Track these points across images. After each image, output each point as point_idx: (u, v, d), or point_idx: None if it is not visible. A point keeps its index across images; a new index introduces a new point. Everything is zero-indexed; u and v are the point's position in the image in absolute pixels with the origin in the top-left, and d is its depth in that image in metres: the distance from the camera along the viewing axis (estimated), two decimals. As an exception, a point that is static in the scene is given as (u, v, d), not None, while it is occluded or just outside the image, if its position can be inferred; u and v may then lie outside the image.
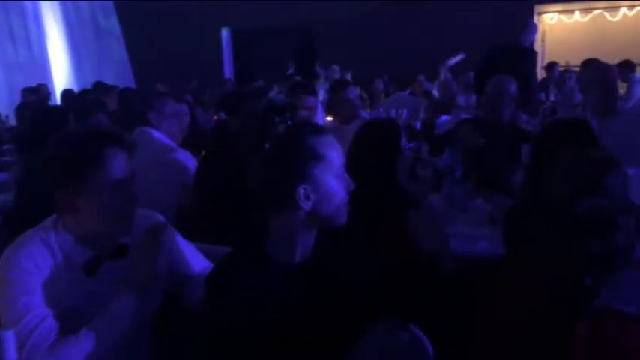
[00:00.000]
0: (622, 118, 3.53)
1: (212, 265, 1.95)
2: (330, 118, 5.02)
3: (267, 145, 1.49)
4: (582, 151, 1.56)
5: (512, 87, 3.74)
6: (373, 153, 2.30)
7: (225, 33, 13.00)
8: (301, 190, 1.48)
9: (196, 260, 1.92)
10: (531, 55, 5.93)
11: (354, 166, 2.37)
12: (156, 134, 3.17)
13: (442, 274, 2.40)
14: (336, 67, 9.17)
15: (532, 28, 5.98)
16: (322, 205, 1.51)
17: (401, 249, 2.28)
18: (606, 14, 11.48)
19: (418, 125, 5.48)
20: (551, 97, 6.72)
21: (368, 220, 2.08)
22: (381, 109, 6.36)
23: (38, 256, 1.63)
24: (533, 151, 2.41)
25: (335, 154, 1.53)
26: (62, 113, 3.19)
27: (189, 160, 3.14)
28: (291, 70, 9.43)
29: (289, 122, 1.52)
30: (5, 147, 5.43)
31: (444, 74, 8.27)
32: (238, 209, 2.05)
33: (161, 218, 1.90)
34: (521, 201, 2.35)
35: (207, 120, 6.69)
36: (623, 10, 11.22)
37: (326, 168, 1.51)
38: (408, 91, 7.48)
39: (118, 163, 1.65)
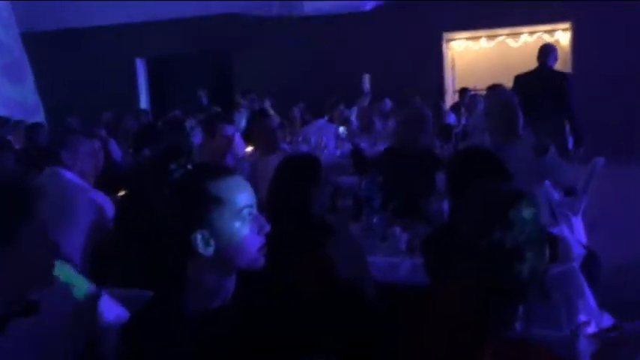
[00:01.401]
0: (523, 141, 3.74)
1: (125, 312, 1.89)
2: (250, 148, 5.01)
3: (165, 192, 1.46)
4: (491, 185, 1.62)
5: (429, 114, 3.88)
6: (293, 188, 2.31)
7: (139, 62, 12.75)
8: (198, 237, 1.44)
9: (109, 309, 1.84)
10: (566, 77, 6.10)
11: (274, 201, 2.39)
12: (68, 175, 3.04)
13: (364, 303, 2.42)
14: (253, 96, 9.20)
15: (554, 51, 6.15)
16: (227, 251, 1.46)
17: (323, 279, 2.29)
18: (509, 40, 12.16)
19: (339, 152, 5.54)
20: (463, 122, 7.02)
21: (289, 254, 2.09)
22: (300, 139, 6.42)
23: None
24: (447, 181, 2.49)
25: (239, 196, 1.48)
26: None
27: (104, 201, 3.04)
28: (205, 101, 9.36)
29: (188, 166, 1.49)
30: None
31: (362, 101, 8.47)
32: (156, 253, 1.99)
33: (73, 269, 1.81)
34: (438, 230, 2.42)
35: (124, 154, 6.52)
36: (524, 37, 11.93)
37: (227, 212, 1.45)
38: (325, 118, 7.59)
39: (37, 221, 1.54)
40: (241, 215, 1.47)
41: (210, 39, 11.79)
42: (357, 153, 4.42)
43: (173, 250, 1.49)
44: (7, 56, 10.74)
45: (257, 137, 4.53)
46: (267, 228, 1.54)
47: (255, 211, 1.52)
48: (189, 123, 7.61)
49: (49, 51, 11.82)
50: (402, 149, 3.76)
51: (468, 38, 12.30)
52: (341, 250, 2.29)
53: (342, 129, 6.38)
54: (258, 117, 4.84)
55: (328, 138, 6.78)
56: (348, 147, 5.13)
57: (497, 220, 1.46)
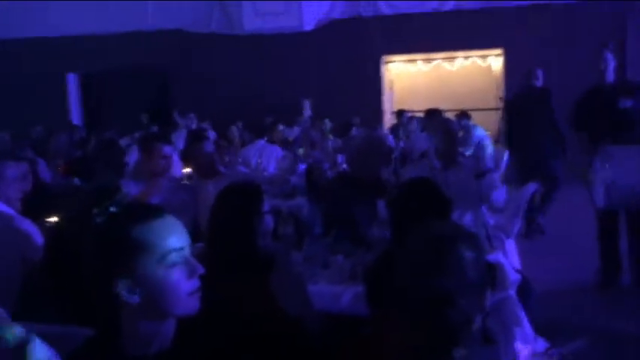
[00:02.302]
0: (462, 166, 3.84)
1: (51, 352, 1.78)
2: (187, 170, 4.90)
3: (87, 238, 1.38)
4: (432, 225, 1.60)
5: (385, 142, 3.92)
6: (234, 219, 2.26)
7: (72, 77, 12.33)
8: (122, 285, 1.37)
9: (40, 352, 1.72)
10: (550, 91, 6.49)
11: (215, 232, 2.33)
12: (-3, 204, 2.87)
13: (307, 335, 2.39)
14: (192, 116, 9.05)
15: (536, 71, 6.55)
16: (154, 298, 1.39)
17: (264, 313, 2.25)
18: (445, 64, 12.53)
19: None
20: (401, 144, 7.14)
21: (229, 288, 2.03)
22: (240, 160, 6.34)
23: None
24: (390, 211, 2.50)
25: (166, 240, 1.40)
26: None
27: (31, 229, 2.88)
28: (144, 120, 9.15)
29: (111, 209, 1.40)
30: None
31: (304, 123, 8.50)
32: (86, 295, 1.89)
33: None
34: (379, 262, 2.42)
35: (54, 173, 6.25)
36: (460, 61, 12.32)
37: (152, 258, 1.38)
38: (264, 139, 7.53)
39: None
40: (168, 260, 1.39)
41: (148, 55, 11.56)
42: (313, 173, 4.33)
43: (98, 296, 1.41)
44: None
45: (194, 160, 4.44)
46: (200, 271, 1.46)
47: (186, 253, 1.44)
48: (124, 141, 7.41)
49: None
50: (353, 176, 3.76)
51: (405, 61, 12.59)
52: (282, 282, 2.26)
53: (301, 150, 6.36)
54: (193, 139, 4.74)
55: (268, 159, 6.74)
56: (301, 167, 5.09)
57: (435, 266, 1.41)
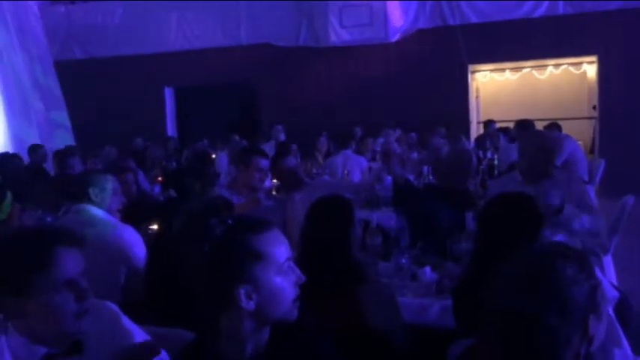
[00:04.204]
0: (554, 180, 3.70)
1: (162, 352, 1.90)
2: (275, 181, 5.06)
3: (205, 247, 1.48)
4: (534, 245, 1.57)
5: (472, 154, 3.86)
6: (327, 231, 2.32)
7: (168, 91, 12.98)
8: (242, 292, 1.47)
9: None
10: None
11: (307, 242, 2.40)
12: (95, 211, 3.08)
13: (395, 348, 2.41)
14: (279, 128, 9.27)
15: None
16: (267, 305, 1.50)
17: (352, 325, 2.29)
18: (535, 72, 12.15)
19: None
20: (489, 155, 6.98)
21: (320, 299, 2.09)
22: (326, 170, 6.44)
23: None
24: (479, 226, 2.47)
25: (279, 250, 1.52)
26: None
27: (133, 236, 3.07)
28: (237, 139, 9.44)
29: (228, 221, 1.51)
30: None
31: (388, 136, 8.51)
32: (188, 298, 2.01)
33: (113, 307, 1.84)
34: (469, 277, 2.40)
35: (151, 182, 6.61)
36: (550, 69, 11.91)
37: (268, 266, 1.49)
38: (350, 149, 7.61)
39: (69, 263, 1.59)
40: (282, 269, 1.51)
41: (238, 69, 11.97)
42: (400, 185, 4.33)
43: (212, 302, 1.51)
44: (39, 89, 11.02)
45: (278, 174, 4.58)
46: (303, 279, 1.57)
47: (292, 263, 1.55)
48: (220, 156, 7.70)
49: (82, 79, 12.09)
50: (440, 187, 3.74)
51: (492, 70, 12.32)
52: (373, 294, 2.29)
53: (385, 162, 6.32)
54: (278, 154, 4.89)
55: (353, 170, 6.80)
56: (387, 178, 5.11)
57: (527, 282, 1.33)
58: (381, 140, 8.51)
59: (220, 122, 11.98)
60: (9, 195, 2.97)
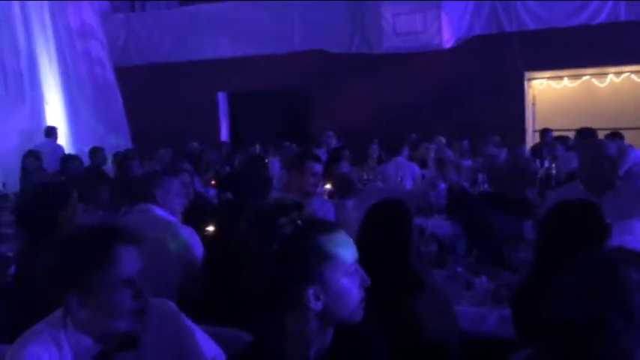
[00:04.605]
0: (619, 190, 3.56)
1: (220, 351, 1.93)
2: (327, 186, 5.08)
3: (274, 246, 1.49)
4: (596, 251, 1.52)
5: (530, 163, 3.78)
6: (385, 237, 2.30)
7: (221, 97, 13.22)
8: (311, 292, 1.47)
9: (207, 347, 1.88)
10: None
11: (364, 250, 2.39)
12: (159, 211, 3.16)
13: (450, 357, 2.37)
14: (331, 134, 9.30)
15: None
16: (334, 306, 1.50)
17: (408, 332, 2.26)
18: (594, 80, 11.79)
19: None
20: (546, 164, 6.81)
21: (379, 303, 2.08)
22: (379, 177, 6.42)
23: (45, 354, 1.60)
24: (540, 235, 2.41)
25: (346, 252, 1.53)
26: (64, 192, 3.15)
27: (193, 237, 3.13)
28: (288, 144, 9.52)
29: (297, 222, 1.52)
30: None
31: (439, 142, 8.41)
32: (246, 298, 2.03)
33: (173, 306, 1.87)
34: (528, 284, 2.34)
35: (205, 184, 6.73)
36: (611, 77, 11.54)
37: (337, 267, 1.50)
38: (403, 156, 7.54)
39: (128, 261, 1.63)
40: (350, 271, 1.52)
41: (290, 75, 12.08)
42: (456, 193, 4.27)
43: (280, 302, 1.52)
44: (100, 95, 11.40)
45: (332, 179, 4.60)
46: (368, 282, 1.58)
47: (358, 265, 1.55)
48: (272, 160, 7.78)
49: (141, 84, 12.45)
50: (497, 196, 3.67)
51: (550, 77, 12.03)
52: (429, 303, 2.26)
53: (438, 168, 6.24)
54: (331, 159, 4.91)
55: (406, 176, 6.75)
56: (441, 185, 5.05)
57: (590, 288, 1.29)
58: (433, 147, 8.42)
59: (272, 128, 12.10)
60: (74, 194, 3.07)
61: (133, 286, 1.64)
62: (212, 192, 6.40)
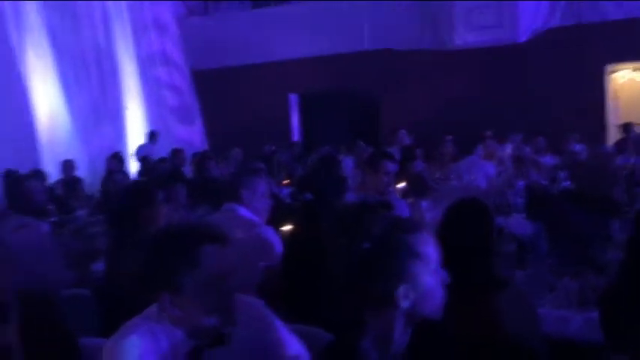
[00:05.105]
0: None
1: (303, 348, 1.95)
2: (400, 185, 5.05)
3: (364, 245, 1.50)
4: None
5: (615, 160, 3.63)
6: (466, 236, 2.26)
7: (292, 98, 13.38)
8: (401, 290, 1.49)
9: (292, 344, 1.91)
10: None
11: (443, 250, 2.36)
12: (243, 211, 3.24)
13: (535, 358, 2.31)
14: (403, 132, 9.21)
15: None
16: (420, 304, 1.52)
17: (490, 333, 2.22)
18: (682, 71, 11.15)
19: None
20: (631, 160, 6.49)
21: (456, 304, 2.05)
22: (452, 175, 6.31)
23: (144, 346, 1.67)
24: (631, 235, 2.30)
25: (431, 251, 1.55)
26: (149, 193, 3.29)
27: (274, 236, 3.19)
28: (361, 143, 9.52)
29: (385, 220, 1.53)
30: (80, 212, 5.72)
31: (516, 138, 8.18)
32: (326, 296, 2.05)
33: (260, 303, 1.92)
34: (617, 285, 2.25)
35: (278, 185, 6.84)
36: (701, 67, 10.88)
37: (424, 266, 1.52)
38: (477, 154, 7.40)
39: (215, 261, 1.67)
40: (434, 269, 1.54)
41: (360, 74, 12.07)
42: (536, 191, 4.16)
43: (368, 300, 1.54)
44: (177, 98, 11.79)
45: (405, 179, 4.57)
46: (447, 280, 1.58)
47: (439, 263, 1.55)
48: (345, 160, 7.80)
49: (215, 87, 12.78)
50: (580, 194, 3.54)
51: (633, 69, 11.45)
52: (511, 304, 2.21)
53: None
54: (404, 158, 4.87)
55: (480, 175, 6.60)
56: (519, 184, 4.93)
57: None
58: (508, 145, 8.20)
59: (342, 127, 12.14)
60: (159, 195, 3.20)
61: (221, 285, 1.68)
62: (285, 192, 6.50)
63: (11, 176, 6.42)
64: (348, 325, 1.62)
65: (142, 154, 9.12)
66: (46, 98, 9.25)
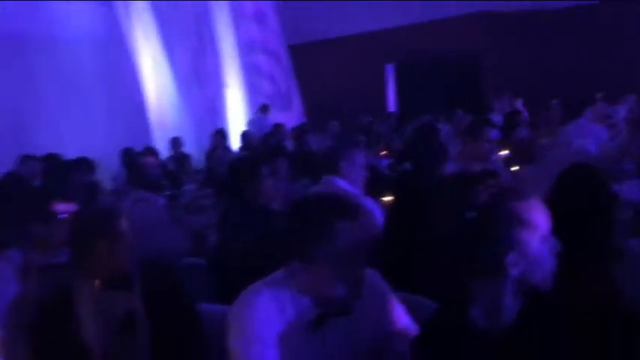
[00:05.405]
0: None
1: (411, 320, 1.96)
2: (503, 153, 4.89)
3: (471, 214, 1.50)
4: None
5: None
6: (581, 203, 2.17)
7: (389, 68, 13.23)
8: (510, 258, 1.48)
9: (401, 315, 1.91)
10: None
11: (555, 217, 2.27)
12: (342, 184, 3.28)
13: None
14: (507, 96, 8.87)
15: None
16: (530, 273, 1.50)
17: (607, 304, 2.14)
18: None
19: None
20: None
21: (573, 274, 1.99)
22: (560, 140, 6.02)
23: (270, 310, 1.72)
24: None
25: (540, 218, 1.52)
26: (254, 164, 3.43)
27: (375, 208, 3.22)
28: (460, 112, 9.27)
29: (492, 189, 1.52)
30: (189, 186, 6.02)
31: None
32: (430, 265, 2.06)
33: (378, 275, 1.93)
34: None
35: (375, 156, 6.83)
36: None
37: (534, 234, 1.50)
38: (585, 118, 6.98)
39: (348, 236, 1.68)
40: (545, 238, 1.51)
41: (457, 39, 11.72)
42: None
43: (477, 269, 1.54)
44: (277, 88, 12.00)
45: (510, 145, 4.42)
46: (559, 248, 1.56)
47: (551, 232, 1.51)
48: (442, 128, 7.66)
49: (311, 60, 12.88)
50: None
51: None
52: (626, 274, 2.11)
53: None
54: (508, 125, 4.71)
55: (589, 140, 6.25)
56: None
57: None
58: (621, 107, 7.70)
59: (439, 96, 11.88)
60: (263, 168, 3.32)
61: (354, 257, 1.69)
62: (383, 162, 6.49)
63: (127, 154, 6.84)
64: (454, 294, 1.63)
65: (255, 125, 9.44)
66: (154, 79, 9.72)
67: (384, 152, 7.33)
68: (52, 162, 5.70)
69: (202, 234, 4.10)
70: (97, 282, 2.19)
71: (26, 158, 5.67)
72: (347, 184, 3.28)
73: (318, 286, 1.71)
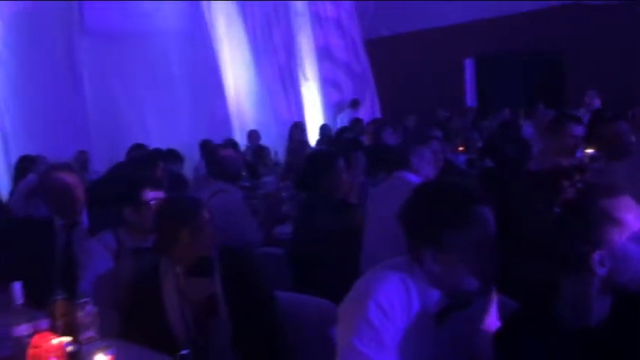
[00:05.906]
0: None
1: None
2: (589, 151, 4.69)
3: (557, 210, 1.46)
4: None
5: None
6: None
7: (467, 62, 12.97)
8: (597, 257, 1.43)
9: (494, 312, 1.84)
10: None
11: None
12: (413, 178, 3.24)
13: None
14: (592, 93, 8.49)
15: None
16: (618, 272, 1.45)
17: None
18: None
19: None
20: None
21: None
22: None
23: (396, 298, 1.65)
24: None
25: (632, 217, 1.46)
26: (330, 157, 3.48)
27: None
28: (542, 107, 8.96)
29: (579, 185, 1.48)
30: (268, 178, 6.14)
31: None
32: (513, 261, 2.02)
33: None
34: None
35: (452, 152, 6.72)
36: None
37: (623, 232, 1.44)
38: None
39: (485, 223, 1.62)
40: (636, 236, 1.45)
41: (540, 34, 11.31)
42: None
43: (561, 266, 1.51)
44: (354, 82, 12.02)
45: (600, 141, 4.22)
46: None
47: None
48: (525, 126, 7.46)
49: (387, 54, 12.80)
50: None
51: None
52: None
53: None
54: (601, 120, 4.50)
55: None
56: None
57: None
58: None
59: (519, 91, 11.53)
60: (339, 162, 3.37)
61: (487, 249, 1.63)
62: (461, 158, 6.37)
63: (207, 146, 7.06)
64: (539, 290, 1.59)
65: (346, 120, 9.68)
66: (235, 72, 9.97)
67: (462, 148, 7.19)
68: (144, 151, 6.00)
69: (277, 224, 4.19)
70: (179, 267, 2.31)
71: (138, 146, 6.08)
72: (418, 179, 3.26)
73: (450, 276, 1.63)
